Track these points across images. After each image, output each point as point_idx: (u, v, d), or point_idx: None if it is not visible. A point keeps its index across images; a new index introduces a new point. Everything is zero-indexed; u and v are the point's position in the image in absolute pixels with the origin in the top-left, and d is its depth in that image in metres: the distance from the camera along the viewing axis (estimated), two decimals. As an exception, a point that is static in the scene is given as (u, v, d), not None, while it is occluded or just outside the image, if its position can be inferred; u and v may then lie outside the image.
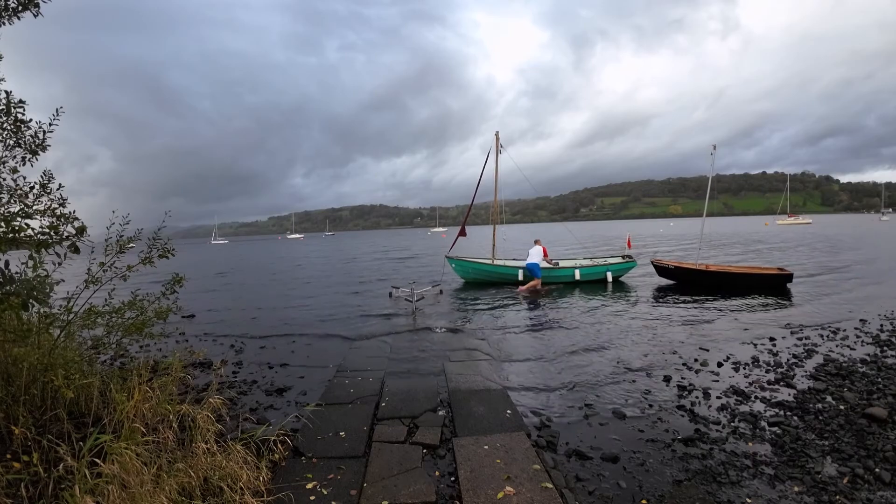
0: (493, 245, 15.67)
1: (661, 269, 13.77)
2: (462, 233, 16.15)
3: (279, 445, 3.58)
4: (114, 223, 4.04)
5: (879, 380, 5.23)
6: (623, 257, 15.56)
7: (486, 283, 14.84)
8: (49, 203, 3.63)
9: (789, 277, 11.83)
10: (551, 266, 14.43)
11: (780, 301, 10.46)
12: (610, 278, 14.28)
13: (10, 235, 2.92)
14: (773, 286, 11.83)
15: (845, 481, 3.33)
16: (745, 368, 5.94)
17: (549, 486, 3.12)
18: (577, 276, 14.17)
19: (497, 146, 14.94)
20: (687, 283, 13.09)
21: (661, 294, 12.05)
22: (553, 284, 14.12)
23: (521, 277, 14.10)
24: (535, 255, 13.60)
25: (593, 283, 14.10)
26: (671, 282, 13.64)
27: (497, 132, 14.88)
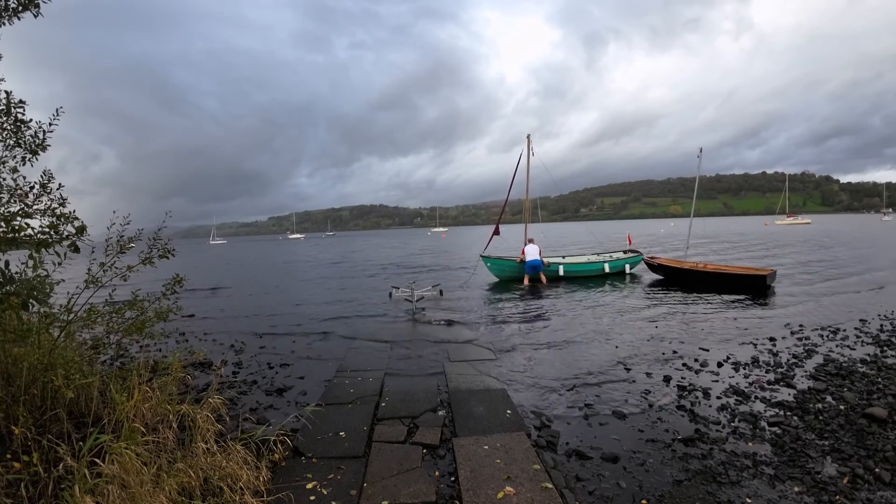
0: (524, 243, 16.48)
1: (652, 266, 14.87)
2: (496, 232, 16.30)
3: (279, 445, 3.58)
4: (115, 223, 4.04)
5: (879, 380, 5.23)
6: (625, 252, 17.03)
7: (520, 279, 15.24)
8: (49, 203, 3.62)
9: (772, 276, 11.89)
10: (585, 262, 16.08)
11: (779, 301, 10.46)
12: (628, 270, 16.07)
13: (10, 235, 2.93)
14: (756, 285, 11.85)
15: (845, 481, 3.33)
16: (745, 368, 5.94)
17: (549, 486, 3.12)
18: (607, 269, 15.82)
19: (528, 149, 15.61)
20: (675, 280, 13.66)
21: (661, 294, 12.04)
22: (587, 277, 15.47)
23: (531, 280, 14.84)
24: (535, 252, 14.41)
25: (594, 279, 15.11)
26: (663, 278, 14.26)
27: (529, 135, 15.49)
